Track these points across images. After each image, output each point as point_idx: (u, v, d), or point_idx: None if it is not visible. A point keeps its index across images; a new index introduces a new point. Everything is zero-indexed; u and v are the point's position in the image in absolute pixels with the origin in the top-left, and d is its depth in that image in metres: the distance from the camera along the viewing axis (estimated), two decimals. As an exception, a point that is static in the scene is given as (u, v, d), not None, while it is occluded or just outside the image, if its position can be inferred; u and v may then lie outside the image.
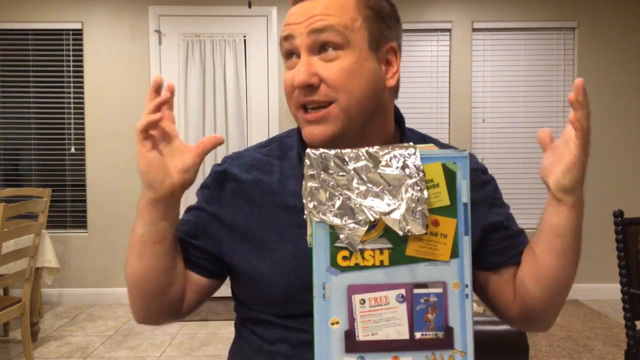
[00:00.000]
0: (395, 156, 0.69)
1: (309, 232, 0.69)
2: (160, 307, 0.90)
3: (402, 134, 0.95)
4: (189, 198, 0.91)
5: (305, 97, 0.82)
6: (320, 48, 0.82)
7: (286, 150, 0.94)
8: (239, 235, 0.89)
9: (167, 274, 0.87)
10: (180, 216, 0.93)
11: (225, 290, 0.99)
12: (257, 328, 0.91)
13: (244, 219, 0.89)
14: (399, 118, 0.95)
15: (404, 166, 0.68)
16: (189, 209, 0.95)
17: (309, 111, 0.83)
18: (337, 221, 0.68)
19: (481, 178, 0.96)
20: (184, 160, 0.85)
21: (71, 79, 4.36)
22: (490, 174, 1.00)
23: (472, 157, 0.82)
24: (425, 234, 0.68)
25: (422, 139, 0.99)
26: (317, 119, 0.82)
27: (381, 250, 0.68)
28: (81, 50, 4.33)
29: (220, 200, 0.91)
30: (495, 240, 0.92)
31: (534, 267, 0.88)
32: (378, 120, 0.87)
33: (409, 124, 0.97)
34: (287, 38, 0.84)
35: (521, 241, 0.96)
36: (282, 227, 0.86)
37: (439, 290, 0.68)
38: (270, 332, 0.89)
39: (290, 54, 0.85)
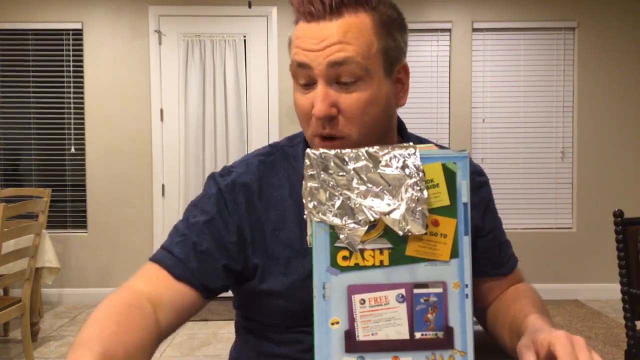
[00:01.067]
0: (395, 156, 0.69)
1: (309, 232, 0.69)
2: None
3: (406, 140, 0.95)
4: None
5: (323, 129, 0.81)
6: (337, 78, 0.80)
7: (290, 160, 0.92)
8: (260, 249, 0.86)
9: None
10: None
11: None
12: (261, 332, 0.91)
13: (261, 232, 0.86)
14: (400, 127, 0.95)
15: (404, 166, 0.68)
16: (193, 224, 0.86)
17: (325, 140, 0.82)
18: (337, 221, 0.68)
19: (476, 180, 0.97)
20: None
21: (71, 79, 4.36)
22: (486, 175, 1.01)
23: None
24: (425, 234, 0.68)
25: (421, 142, 0.99)
26: (333, 146, 0.80)
27: (381, 250, 0.68)
28: (81, 50, 4.33)
29: (236, 211, 0.86)
30: (480, 249, 0.92)
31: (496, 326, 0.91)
32: (387, 137, 0.88)
33: (409, 124, 0.97)
34: (302, 65, 0.80)
35: (505, 253, 0.98)
36: (299, 241, 0.86)
37: (439, 290, 0.68)
38: (276, 336, 0.88)
39: (304, 82, 0.82)
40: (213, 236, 0.84)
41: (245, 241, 0.86)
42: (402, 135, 0.95)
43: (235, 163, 0.94)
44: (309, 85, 0.81)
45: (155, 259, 0.84)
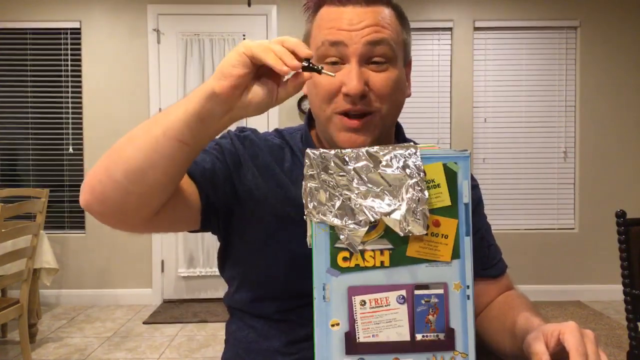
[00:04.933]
0: (395, 156, 0.68)
1: (309, 233, 0.68)
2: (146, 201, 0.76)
3: (403, 142, 0.99)
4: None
5: (354, 106, 0.83)
6: (369, 58, 0.84)
7: (293, 148, 0.95)
8: (259, 200, 0.89)
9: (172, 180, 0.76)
10: None
11: (223, 292, 0.98)
12: (252, 323, 0.91)
13: (264, 188, 0.89)
14: (397, 129, 0.99)
15: (405, 166, 0.68)
16: (209, 149, 0.90)
17: (351, 117, 0.84)
18: (337, 222, 0.67)
19: None
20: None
21: (69, 79, 4.35)
22: (476, 180, 1.03)
23: None
24: (426, 234, 0.68)
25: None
26: (360, 126, 0.84)
27: (382, 251, 0.68)
28: (79, 49, 4.32)
29: (244, 158, 0.90)
30: None
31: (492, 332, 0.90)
32: (392, 129, 0.95)
33: (410, 123, 0.98)
34: (336, 44, 0.83)
35: (494, 255, 0.99)
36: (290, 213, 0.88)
37: (440, 291, 0.68)
38: (266, 327, 0.89)
39: (332, 60, 0.84)
40: (224, 160, 0.89)
41: (249, 188, 0.89)
42: (397, 136, 0.98)
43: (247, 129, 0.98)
44: (336, 64, 0.84)
45: None
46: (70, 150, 4.36)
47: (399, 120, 0.96)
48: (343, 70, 0.83)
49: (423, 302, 0.67)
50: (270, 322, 0.90)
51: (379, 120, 0.85)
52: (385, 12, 0.85)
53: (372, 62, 0.84)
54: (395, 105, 0.87)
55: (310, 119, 0.97)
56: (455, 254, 0.68)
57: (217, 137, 0.90)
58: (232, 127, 0.87)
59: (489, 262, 0.97)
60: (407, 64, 0.92)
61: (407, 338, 0.67)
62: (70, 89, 4.36)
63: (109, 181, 0.74)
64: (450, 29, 4.38)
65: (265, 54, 0.67)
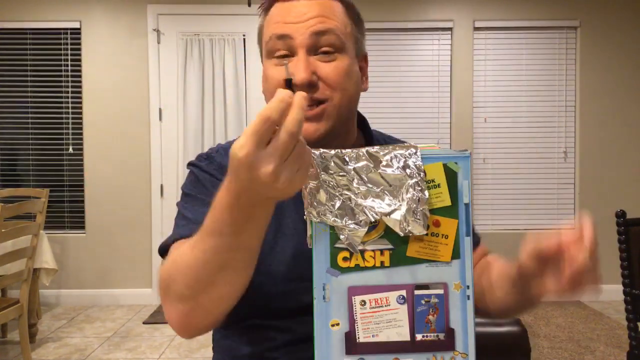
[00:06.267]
0: (396, 156, 0.68)
1: (308, 233, 0.68)
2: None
3: (369, 136, 0.98)
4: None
5: None
6: (316, 49, 0.84)
7: None
8: None
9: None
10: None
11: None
12: (242, 334, 0.89)
13: None
14: (361, 121, 0.98)
15: (405, 166, 0.68)
16: (194, 201, 0.87)
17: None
18: (337, 222, 0.67)
19: None
20: None
21: (69, 79, 4.35)
22: None
23: None
24: (426, 234, 0.67)
25: (389, 139, 1.02)
26: (313, 116, 0.83)
27: (382, 251, 0.67)
28: (79, 49, 4.32)
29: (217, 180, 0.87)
30: None
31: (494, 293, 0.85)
32: (350, 122, 0.92)
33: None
34: (282, 37, 0.84)
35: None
36: (287, 220, 0.87)
37: (440, 291, 0.68)
38: (257, 336, 0.87)
39: (281, 53, 0.85)
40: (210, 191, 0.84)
41: None
42: (363, 130, 0.98)
43: (211, 150, 0.95)
44: (286, 57, 0.85)
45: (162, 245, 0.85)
46: (70, 150, 4.36)
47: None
48: (291, 63, 0.83)
49: (423, 302, 0.67)
50: (250, 330, 0.88)
51: (332, 109, 0.84)
52: (332, 5, 0.86)
53: (321, 52, 0.84)
54: (348, 95, 0.86)
55: None
56: (456, 254, 0.68)
57: (186, 180, 0.91)
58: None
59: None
60: (363, 58, 0.93)
61: (407, 338, 0.67)
62: (70, 89, 4.36)
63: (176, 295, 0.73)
64: (450, 29, 4.38)
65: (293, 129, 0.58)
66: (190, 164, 0.94)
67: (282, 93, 0.58)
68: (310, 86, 0.82)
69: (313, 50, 0.84)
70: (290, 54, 0.85)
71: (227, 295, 0.70)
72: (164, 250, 0.84)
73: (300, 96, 0.59)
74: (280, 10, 0.86)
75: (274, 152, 0.57)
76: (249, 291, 0.81)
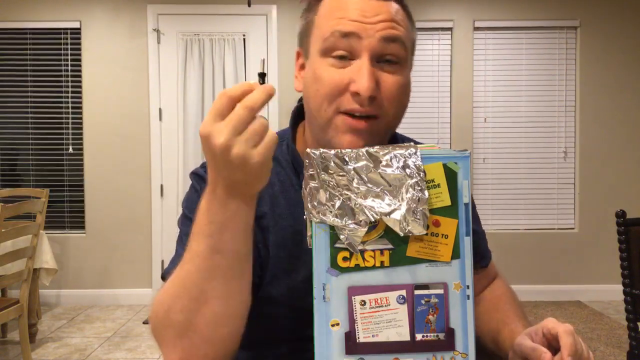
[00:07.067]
0: (395, 156, 0.68)
1: (308, 233, 0.68)
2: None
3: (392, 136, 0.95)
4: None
5: (361, 107, 0.75)
6: (380, 57, 0.76)
7: (280, 161, 0.86)
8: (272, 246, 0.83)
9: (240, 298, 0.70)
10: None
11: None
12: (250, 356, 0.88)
13: (274, 227, 0.84)
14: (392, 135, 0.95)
15: (405, 166, 0.68)
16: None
17: (356, 118, 0.76)
18: (337, 222, 0.67)
19: None
20: None
21: (69, 78, 4.35)
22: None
23: None
24: (426, 234, 0.67)
25: (407, 139, 0.99)
26: (364, 128, 0.76)
27: (382, 251, 0.67)
28: (79, 49, 4.32)
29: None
30: None
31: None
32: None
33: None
34: (348, 35, 0.75)
35: (481, 244, 0.96)
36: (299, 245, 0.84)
37: (440, 291, 0.68)
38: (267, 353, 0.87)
39: (339, 54, 0.76)
40: None
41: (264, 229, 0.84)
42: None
43: None
44: (344, 59, 0.76)
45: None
46: (70, 150, 4.36)
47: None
48: (352, 67, 0.75)
49: (423, 302, 0.67)
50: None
51: (383, 127, 0.78)
52: (398, 9, 0.78)
53: (384, 60, 0.76)
54: (402, 112, 0.80)
55: (296, 123, 0.89)
56: (455, 254, 0.67)
57: (187, 194, 0.85)
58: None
59: (479, 254, 0.93)
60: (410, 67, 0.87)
61: (407, 338, 0.67)
62: (70, 89, 4.36)
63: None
64: (450, 29, 4.38)
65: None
66: (192, 174, 0.87)
67: (249, 83, 0.60)
68: (371, 98, 0.75)
69: (377, 56, 0.76)
70: (350, 55, 0.76)
71: (221, 314, 0.67)
72: (164, 279, 0.81)
73: (271, 85, 0.60)
74: (342, 4, 0.76)
75: (227, 123, 0.59)
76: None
